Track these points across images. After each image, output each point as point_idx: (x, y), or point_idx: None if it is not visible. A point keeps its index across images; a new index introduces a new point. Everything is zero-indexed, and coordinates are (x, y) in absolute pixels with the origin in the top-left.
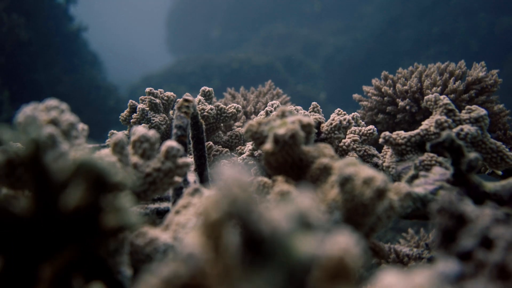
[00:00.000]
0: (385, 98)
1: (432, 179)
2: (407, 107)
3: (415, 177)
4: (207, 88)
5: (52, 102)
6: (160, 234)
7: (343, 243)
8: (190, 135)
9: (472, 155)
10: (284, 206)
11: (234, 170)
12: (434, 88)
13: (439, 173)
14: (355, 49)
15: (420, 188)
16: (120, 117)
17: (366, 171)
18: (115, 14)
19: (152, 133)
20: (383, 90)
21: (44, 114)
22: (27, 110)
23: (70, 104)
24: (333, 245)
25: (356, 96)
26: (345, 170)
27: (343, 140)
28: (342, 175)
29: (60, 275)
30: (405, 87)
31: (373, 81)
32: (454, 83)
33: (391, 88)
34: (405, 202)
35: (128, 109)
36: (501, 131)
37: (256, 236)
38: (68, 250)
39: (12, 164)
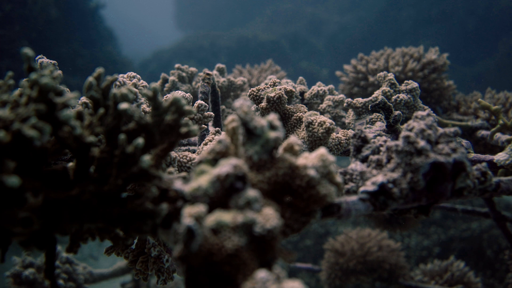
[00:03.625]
0: (359, 75)
1: (374, 129)
2: (375, 82)
3: (365, 129)
4: (221, 65)
5: (131, 73)
6: (195, 156)
7: (294, 139)
8: (209, 99)
9: (396, 112)
10: (264, 118)
11: (243, 101)
12: (397, 67)
13: (379, 126)
14: (358, 28)
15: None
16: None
17: (321, 118)
18: None
19: (188, 94)
20: (358, 68)
21: (128, 80)
22: (119, 78)
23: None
24: (290, 139)
25: (338, 73)
26: (309, 117)
27: (321, 105)
28: (307, 120)
29: (160, 154)
30: (375, 66)
31: (352, 61)
32: (412, 64)
33: (365, 67)
34: (349, 141)
35: (160, 81)
36: (446, 101)
37: (251, 127)
38: (164, 143)
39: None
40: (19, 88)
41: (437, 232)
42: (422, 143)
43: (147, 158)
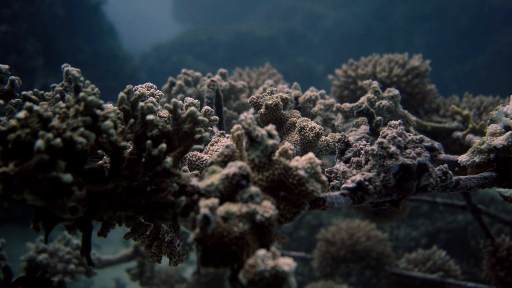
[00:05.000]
0: (349, 79)
1: (359, 132)
2: (364, 86)
3: (351, 131)
4: (223, 70)
5: (149, 83)
6: (203, 155)
7: (288, 145)
8: (213, 103)
9: (378, 118)
10: (263, 128)
11: (247, 113)
12: (383, 73)
13: (363, 129)
14: (354, 24)
15: (351, 137)
16: (162, 88)
17: (312, 123)
18: None
19: (196, 100)
20: (348, 73)
21: (146, 90)
22: (139, 88)
23: (92, 71)
24: (284, 144)
25: (330, 76)
26: (301, 123)
27: (313, 109)
28: (299, 126)
29: (178, 156)
30: (363, 72)
31: (343, 66)
32: (398, 70)
33: (354, 72)
34: (335, 144)
35: (168, 83)
36: (428, 104)
37: (254, 135)
38: (181, 147)
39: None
40: (60, 101)
41: (424, 224)
42: (393, 148)
43: (169, 159)
